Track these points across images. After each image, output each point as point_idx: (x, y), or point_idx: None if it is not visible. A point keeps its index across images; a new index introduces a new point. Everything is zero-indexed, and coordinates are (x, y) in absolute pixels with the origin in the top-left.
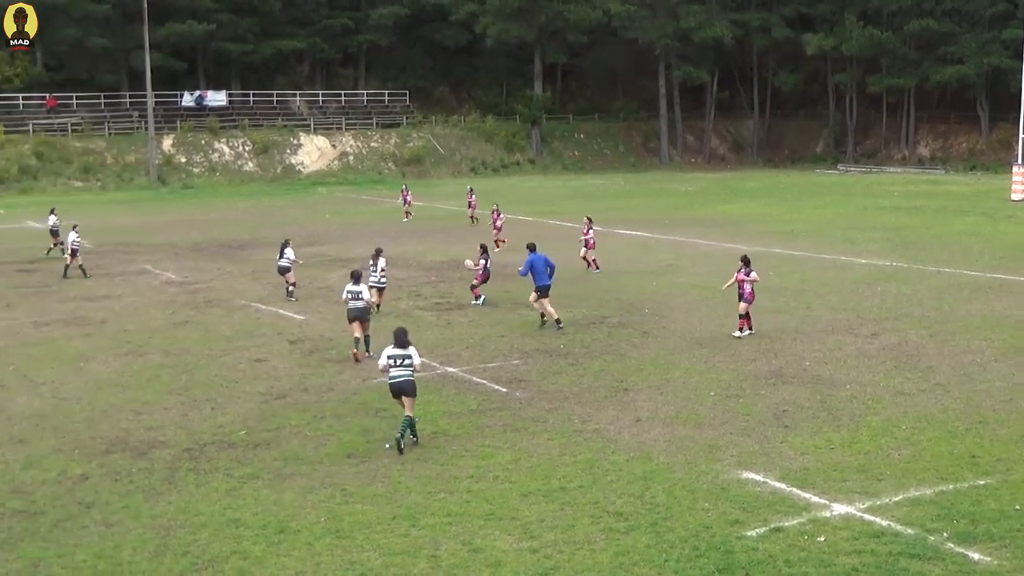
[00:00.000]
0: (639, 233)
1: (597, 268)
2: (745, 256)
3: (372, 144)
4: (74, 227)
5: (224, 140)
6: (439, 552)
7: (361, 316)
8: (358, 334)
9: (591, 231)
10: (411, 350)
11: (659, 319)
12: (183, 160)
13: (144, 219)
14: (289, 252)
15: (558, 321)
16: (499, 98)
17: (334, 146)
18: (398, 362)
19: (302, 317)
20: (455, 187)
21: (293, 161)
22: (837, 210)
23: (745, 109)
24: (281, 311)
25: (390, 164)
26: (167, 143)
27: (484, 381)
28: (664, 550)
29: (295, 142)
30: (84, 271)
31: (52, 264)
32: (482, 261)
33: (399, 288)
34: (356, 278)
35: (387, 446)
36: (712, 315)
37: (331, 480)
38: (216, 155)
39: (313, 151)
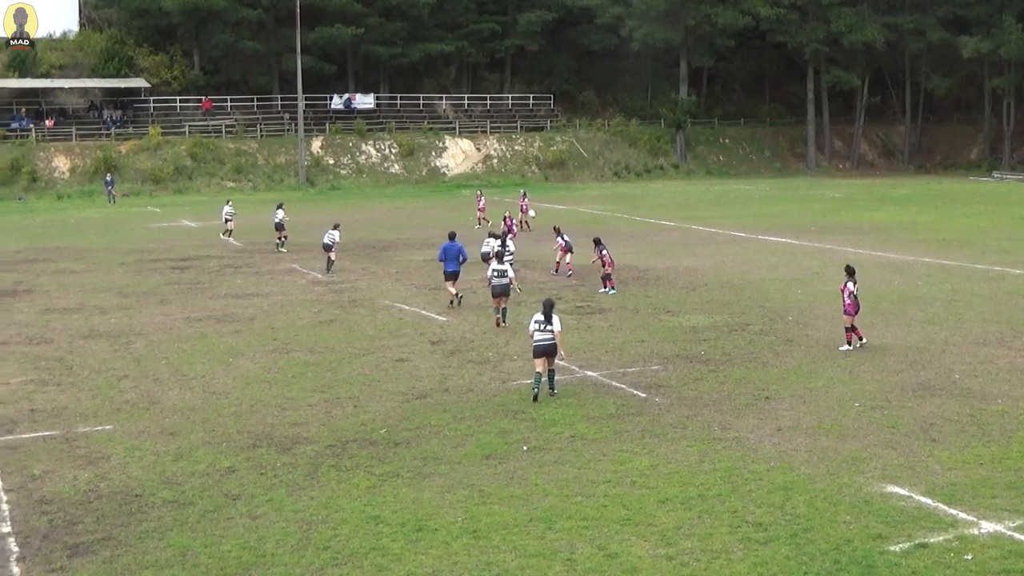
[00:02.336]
0: (784, 240)
1: (563, 272)
2: (849, 267)
3: (516, 147)
4: (228, 202)
5: (371, 142)
6: (575, 556)
7: (504, 292)
8: (503, 305)
9: (563, 238)
10: (555, 320)
11: (803, 327)
12: (331, 162)
13: (293, 218)
14: (335, 234)
15: (458, 295)
16: (644, 102)
17: (478, 149)
18: (543, 327)
19: (444, 318)
20: (598, 191)
21: (438, 163)
22: (991, 219)
23: (896, 114)
24: (423, 311)
25: (533, 167)
26: (316, 145)
27: (623, 386)
28: (804, 563)
29: (440, 145)
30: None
31: (205, 261)
32: (603, 251)
33: (540, 292)
34: (499, 257)
35: (524, 448)
36: (857, 324)
37: (469, 481)
38: (363, 157)
39: (458, 154)
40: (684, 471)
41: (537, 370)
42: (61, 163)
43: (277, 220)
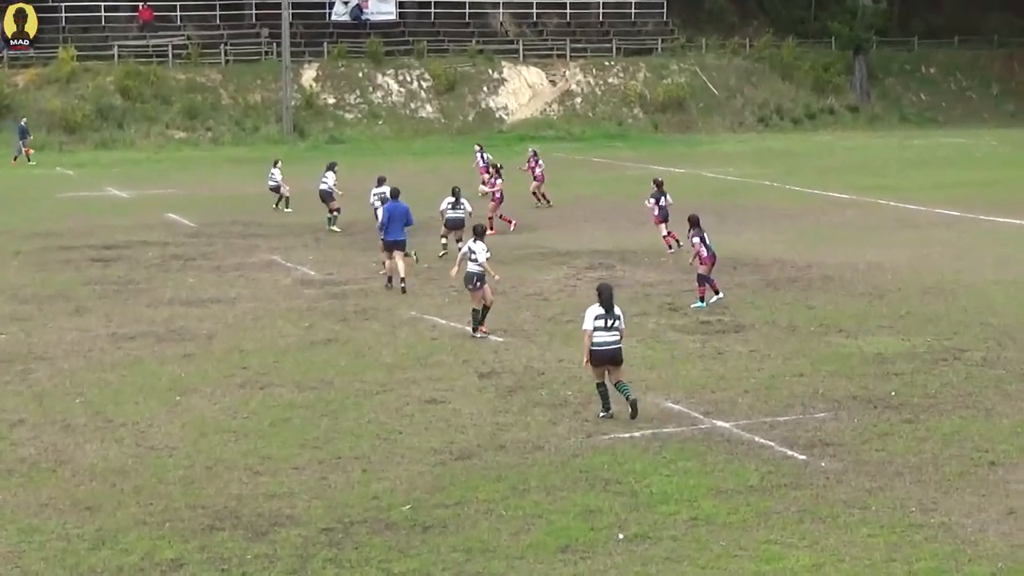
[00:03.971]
0: (1020, 222)
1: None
2: None
3: (610, 80)
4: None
5: (391, 72)
6: None
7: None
8: (475, 304)
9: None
10: (619, 311)
11: None
12: (331, 101)
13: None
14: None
15: (403, 281)
16: (805, 12)
17: (553, 82)
18: (608, 323)
19: (499, 339)
20: (734, 146)
21: (492, 104)
22: None
23: None
24: (468, 327)
25: (636, 110)
26: (308, 76)
27: (771, 443)
28: None
29: (495, 76)
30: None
31: (140, 250)
32: (698, 238)
33: (645, 299)
34: (477, 232)
35: (620, 537)
36: None
37: None
38: (379, 94)
39: (522, 90)
40: (866, 573)
41: (596, 381)
42: None
43: (326, 187)
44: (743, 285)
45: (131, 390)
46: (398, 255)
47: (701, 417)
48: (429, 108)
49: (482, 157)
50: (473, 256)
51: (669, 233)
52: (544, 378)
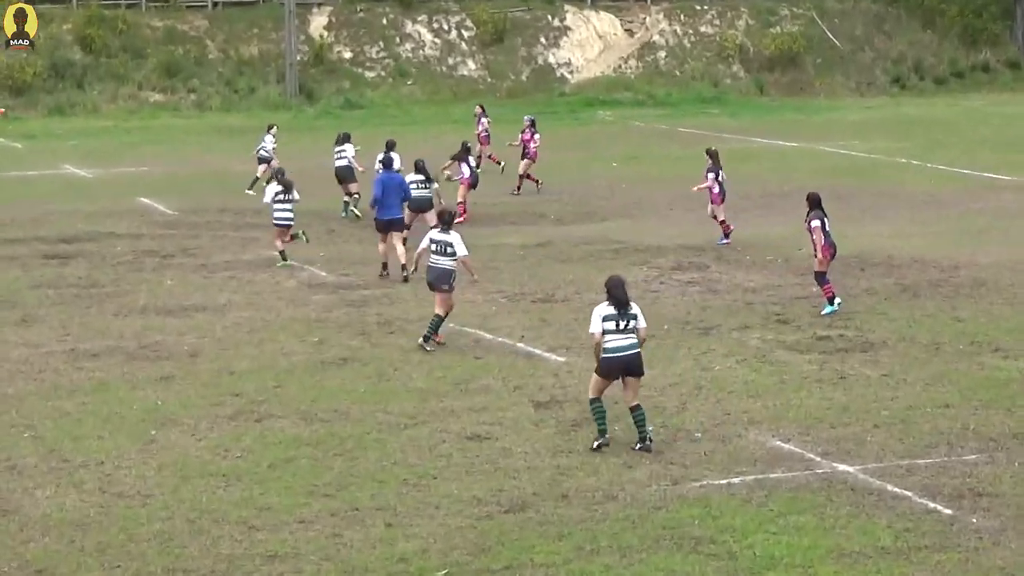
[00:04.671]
0: None
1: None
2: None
3: (703, 29)
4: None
5: (424, 18)
6: None
7: (442, 282)
8: (438, 310)
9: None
10: (636, 308)
11: None
12: (346, 56)
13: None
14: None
15: (404, 268)
16: None
17: (630, 32)
18: (621, 325)
19: (561, 358)
20: (861, 112)
21: (551, 59)
22: None
23: None
24: (522, 344)
25: (735, 67)
26: (318, 23)
27: (908, 493)
28: None
29: (556, 23)
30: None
31: (106, 243)
32: (816, 223)
33: (747, 309)
34: (443, 219)
35: None
36: None
37: None
38: (408, 47)
39: (590, 41)
40: None
41: (591, 395)
42: None
43: (344, 162)
44: (872, 291)
45: (94, 422)
46: (395, 236)
47: (818, 459)
48: (472, 64)
49: (485, 122)
50: (448, 249)
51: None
52: (617, 409)
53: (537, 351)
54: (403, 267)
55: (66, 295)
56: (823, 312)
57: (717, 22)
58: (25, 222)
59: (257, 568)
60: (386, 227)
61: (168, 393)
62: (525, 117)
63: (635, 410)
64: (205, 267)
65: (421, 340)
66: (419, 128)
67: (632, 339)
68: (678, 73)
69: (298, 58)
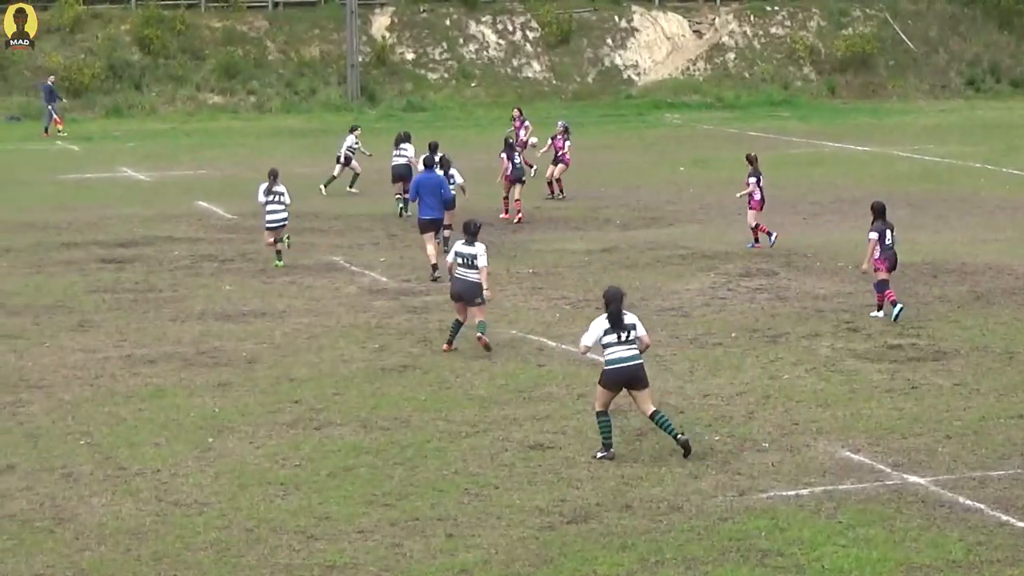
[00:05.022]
0: None
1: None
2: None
3: (773, 30)
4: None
5: (488, 19)
6: None
7: (467, 296)
8: (478, 317)
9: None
10: (633, 318)
11: None
12: (409, 57)
13: (333, 168)
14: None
15: (434, 268)
16: None
17: (699, 33)
18: (623, 337)
19: None
20: (935, 116)
21: (618, 61)
22: None
23: None
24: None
25: (806, 69)
26: (380, 23)
27: (980, 505)
28: None
29: (623, 24)
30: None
31: (164, 247)
32: (878, 236)
33: (817, 317)
34: (469, 230)
35: None
36: None
37: None
38: (472, 47)
39: (658, 42)
40: None
41: (597, 408)
42: None
43: (404, 161)
44: (945, 298)
45: (150, 429)
46: (429, 237)
47: (888, 470)
48: (536, 66)
49: (523, 124)
50: (474, 261)
51: (758, 225)
52: (684, 418)
53: (601, 359)
54: (433, 267)
55: (123, 300)
56: (893, 316)
57: (788, 23)
58: (82, 226)
59: None
60: (427, 227)
61: (226, 400)
62: (559, 122)
63: (655, 416)
64: (264, 272)
65: (448, 346)
66: (482, 131)
67: (634, 350)
68: (747, 75)
69: (360, 59)
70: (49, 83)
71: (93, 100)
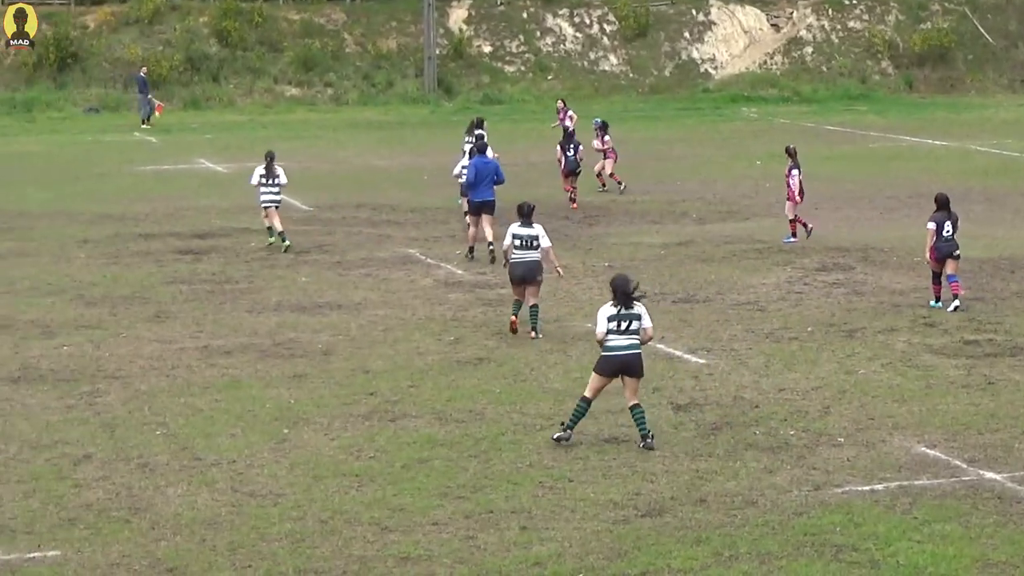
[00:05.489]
0: None
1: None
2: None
3: (851, 24)
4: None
5: (565, 13)
6: None
7: (529, 276)
8: (531, 299)
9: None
10: (641, 308)
11: None
12: (486, 49)
13: (410, 160)
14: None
15: (491, 245)
16: None
17: (776, 27)
18: (623, 326)
19: (701, 360)
20: (1014, 111)
21: (695, 55)
22: None
23: None
24: (661, 346)
25: (883, 63)
26: (458, 16)
27: None
28: None
29: (700, 18)
30: None
31: (241, 239)
32: (935, 227)
33: (894, 311)
34: (523, 212)
35: None
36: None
37: None
38: (549, 40)
39: (735, 36)
40: None
41: (586, 396)
42: None
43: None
44: (1022, 294)
45: (226, 420)
46: (486, 219)
47: (964, 466)
48: (613, 59)
49: (567, 115)
50: (535, 242)
51: (796, 218)
52: (758, 412)
53: (677, 352)
54: (490, 243)
55: (199, 291)
56: (950, 309)
57: (866, 17)
58: (160, 217)
59: (389, 570)
60: (478, 209)
61: (301, 392)
62: (595, 120)
63: (634, 409)
64: (340, 264)
65: (534, 334)
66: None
67: (633, 340)
68: (825, 69)
69: (437, 52)
70: (142, 74)
71: (171, 92)
